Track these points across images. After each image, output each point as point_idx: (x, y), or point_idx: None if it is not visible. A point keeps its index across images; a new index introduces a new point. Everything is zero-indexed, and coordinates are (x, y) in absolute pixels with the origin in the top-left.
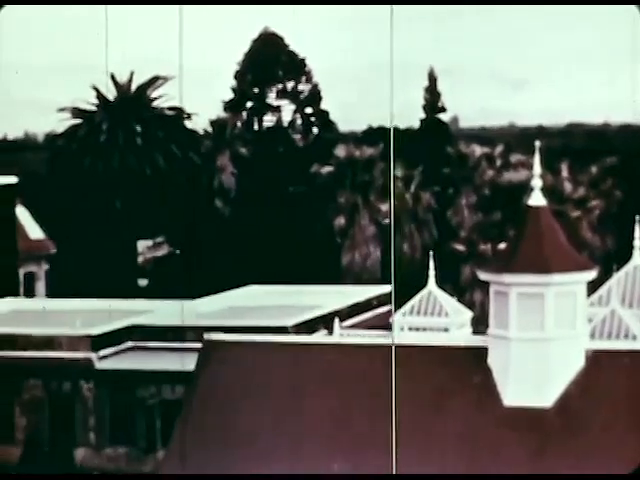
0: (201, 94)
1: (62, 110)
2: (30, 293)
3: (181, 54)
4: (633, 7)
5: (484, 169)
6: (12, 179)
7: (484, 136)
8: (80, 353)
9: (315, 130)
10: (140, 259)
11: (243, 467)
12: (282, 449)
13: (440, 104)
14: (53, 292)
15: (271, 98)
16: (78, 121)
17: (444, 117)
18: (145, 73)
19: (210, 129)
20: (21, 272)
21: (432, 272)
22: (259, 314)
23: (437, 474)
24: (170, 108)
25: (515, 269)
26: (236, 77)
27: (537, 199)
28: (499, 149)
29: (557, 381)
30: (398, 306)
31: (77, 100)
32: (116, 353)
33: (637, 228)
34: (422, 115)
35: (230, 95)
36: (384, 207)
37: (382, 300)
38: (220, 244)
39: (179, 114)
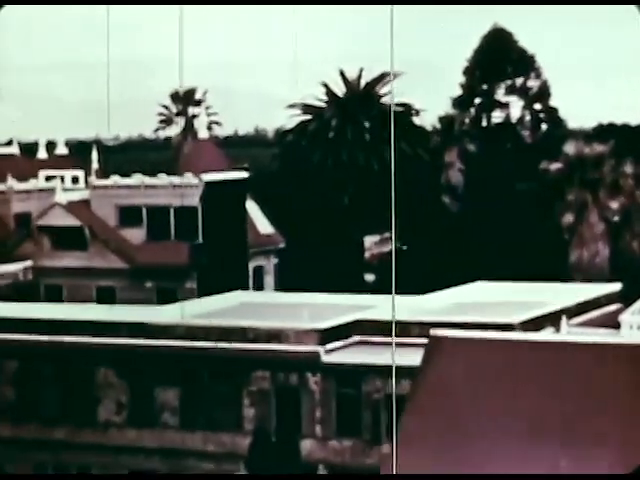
0: (430, 90)
1: (292, 106)
2: (259, 286)
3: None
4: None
5: None
6: (243, 174)
7: None
8: (307, 346)
9: (544, 126)
10: (367, 254)
11: (466, 465)
12: (507, 448)
13: None
14: (282, 286)
15: (500, 94)
16: (308, 117)
17: None
18: (374, 70)
19: (438, 125)
20: (251, 266)
21: None
22: (485, 310)
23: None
24: (399, 104)
25: None
26: (465, 73)
27: None
28: None
29: None
30: (628, 304)
31: (307, 96)
32: (342, 347)
33: None
34: None
35: (459, 91)
36: (614, 204)
37: (611, 298)
38: (447, 240)
39: (408, 110)
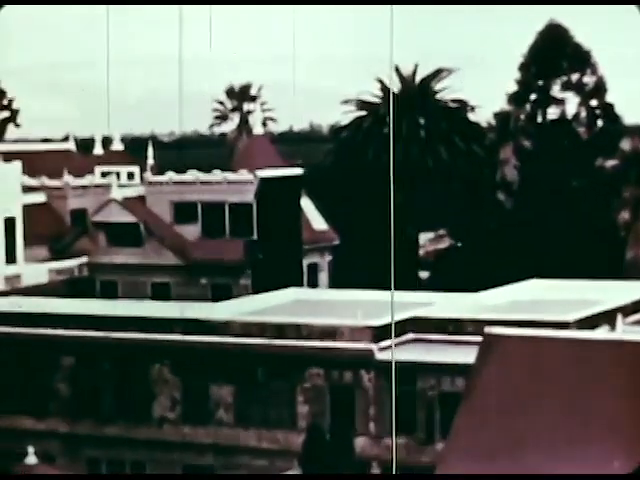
0: (485, 86)
1: (347, 102)
2: (313, 283)
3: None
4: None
5: None
6: (298, 171)
7: None
8: (361, 344)
9: (600, 123)
10: (421, 251)
11: (519, 465)
12: (560, 448)
13: None
14: (336, 283)
15: (555, 90)
16: (363, 113)
17: None
18: (429, 66)
19: (493, 122)
20: (305, 262)
21: None
22: (540, 308)
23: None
24: (454, 100)
25: None
26: (520, 69)
27: None
28: None
29: None
30: None
31: (362, 92)
32: (397, 344)
33: None
34: None
35: (514, 87)
36: None
37: None
38: (502, 237)
39: (463, 106)
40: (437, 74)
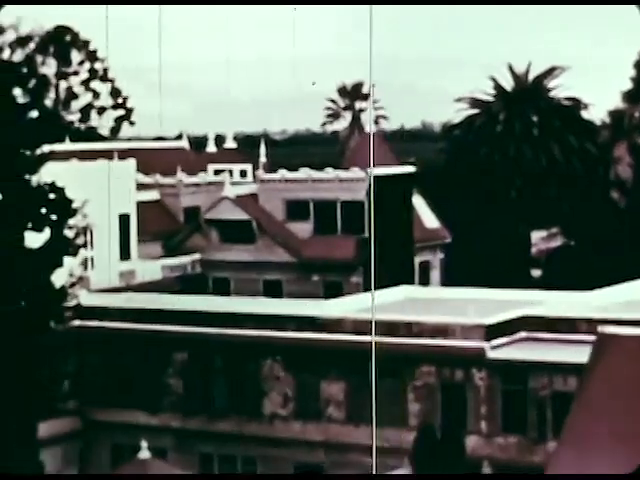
0: (599, 84)
1: (459, 100)
2: (425, 281)
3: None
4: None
5: None
6: (410, 169)
7: None
8: (473, 342)
9: None
10: (533, 250)
11: (635, 463)
12: None
13: None
14: (448, 281)
15: None
16: (475, 111)
17: None
18: (542, 64)
19: (608, 120)
20: (417, 260)
21: None
22: None
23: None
24: (567, 98)
25: None
26: (636, 66)
27: None
28: None
29: None
30: None
31: (475, 90)
32: (509, 343)
33: None
34: None
35: (629, 85)
36: None
37: None
38: (615, 235)
39: (576, 104)
40: (550, 72)
